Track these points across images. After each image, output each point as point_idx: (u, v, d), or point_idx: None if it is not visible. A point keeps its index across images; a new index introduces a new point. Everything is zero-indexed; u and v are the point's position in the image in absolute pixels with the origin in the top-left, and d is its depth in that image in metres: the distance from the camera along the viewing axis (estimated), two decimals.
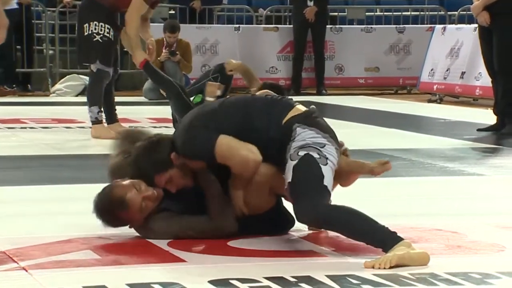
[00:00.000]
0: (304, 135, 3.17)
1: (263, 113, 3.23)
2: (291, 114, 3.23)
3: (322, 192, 3.07)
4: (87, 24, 6.24)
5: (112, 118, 6.55)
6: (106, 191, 3.27)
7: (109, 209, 3.22)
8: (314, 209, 3.05)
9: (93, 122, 6.39)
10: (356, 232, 3.03)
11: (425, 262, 2.92)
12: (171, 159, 3.23)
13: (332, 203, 3.13)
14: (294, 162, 3.10)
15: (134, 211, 3.22)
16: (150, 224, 3.27)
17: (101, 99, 6.38)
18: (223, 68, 6.22)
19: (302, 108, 3.29)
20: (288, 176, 3.10)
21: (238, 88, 9.74)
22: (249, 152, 3.16)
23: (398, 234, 2.99)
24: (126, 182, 3.26)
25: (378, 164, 3.38)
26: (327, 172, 3.10)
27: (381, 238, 2.97)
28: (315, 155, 3.11)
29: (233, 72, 6.12)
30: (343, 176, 3.31)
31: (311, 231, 3.44)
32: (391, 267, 2.87)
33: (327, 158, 3.12)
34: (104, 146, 6.14)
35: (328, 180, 3.10)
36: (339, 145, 3.27)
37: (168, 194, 3.30)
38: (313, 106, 3.39)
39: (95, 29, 6.20)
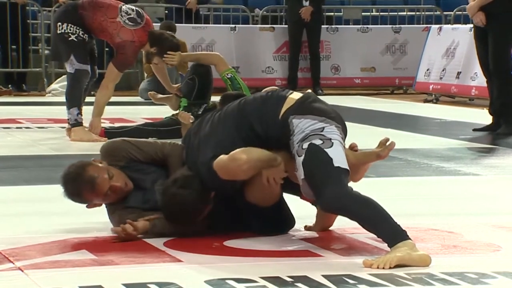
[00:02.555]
0: (301, 126, 3.17)
1: (258, 115, 3.22)
2: (285, 107, 3.23)
3: (336, 176, 3.07)
4: (60, 23, 6.20)
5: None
6: (80, 165, 3.31)
7: (76, 184, 3.28)
8: (331, 199, 3.06)
9: (73, 125, 6.25)
10: (366, 222, 3.04)
11: (426, 264, 2.92)
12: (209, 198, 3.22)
13: (354, 190, 3.11)
14: (302, 158, 3.11)
15: (98, 195, 3.28)
16: (120, 218, 3.30)
17: (80, 100, 6.31)
18: (195, 68, 6.29)
19: (296, 96, 3.27)
20: (300, 173, 3.12)
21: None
22: (234, 160, 3.12)
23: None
24: (103, 165, 3.30)
25: (382, 147, 3.38)
26: (335, 152, 3.11)
27: (388, 233, 2.98)
28: (318, 142, 3.12)
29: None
30: (353, 171, 3.32)
31: (307, 231, 3.45)
32: (390, 268, 2.87)
33: (330, 139, 3.13)
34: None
35: (338, 159, 3.10)
36: (343, 125, 3.25)
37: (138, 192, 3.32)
38: (309, 90, 3.38)
39: (69, 29, 6.16)
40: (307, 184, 3.11)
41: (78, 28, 6.19)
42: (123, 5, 6.31)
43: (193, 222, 3.23)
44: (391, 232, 2.97)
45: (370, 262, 2.91)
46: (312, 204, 3.39)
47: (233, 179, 3.19)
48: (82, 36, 6.18)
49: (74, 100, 6.28)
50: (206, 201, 3.21)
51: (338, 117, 3.27)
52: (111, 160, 3.41)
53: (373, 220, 3.02)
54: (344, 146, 3.21)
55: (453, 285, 2.73)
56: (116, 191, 3.29)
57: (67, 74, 6.39)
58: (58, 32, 6.21)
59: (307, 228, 3.45)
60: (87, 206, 3.40)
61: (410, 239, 2.96)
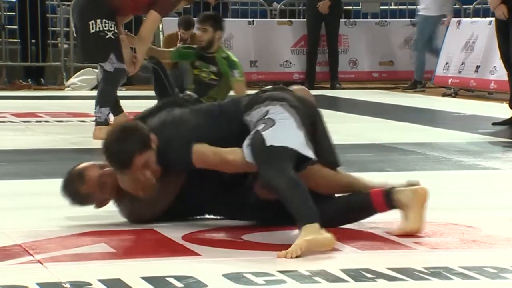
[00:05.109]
0: (253, 120, 3.23)
1: (233, 116, 3.30)
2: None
3: (266, 156, 3.09)
4: (93, 21, 5.91)
5: (117, 110, 6.32)
6: (69, 170, 3.42)
7: (69, 182, 3.35)
8: (264, 181, 3.11)
9: (101, 123, 6.02)
10: (288, 200, 3.07)
11: (331, 246, 3.00)
12: (150, 139, 3.26)
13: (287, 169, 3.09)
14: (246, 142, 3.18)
15: (92, 185, 3.31)
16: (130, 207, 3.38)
17: (113, 100, 6.15)
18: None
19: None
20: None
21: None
22: (221, 159, 3.18)
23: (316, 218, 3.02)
24: (91, 162, 3.38)
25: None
26: (273, 131, 3.12)
27: (298, 216, 3.03)
28: (260, 127, 3.17)
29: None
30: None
31: None
32: (298, 256, 2.91)
33: (273, 120, 3.15)
34: None
35: (272, 138, 3.11)
36: (295, 101, 3.23)
37: None
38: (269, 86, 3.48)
39: (105, 26, 5.91)
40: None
41: (112, 22, 5.95)
42: None
43: (122, 162, 3.22)
44: (299, 217, 3.02)
45: (283, 253, 2.94)
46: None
47: (206, 167, 3.21)
48: (116, 32, 5.96)
49: (108, 100, 6.08)
50: (139, 145, 3.21)
51: (286, 95, 3.26)
52: None
53: (292, 203, 3.04)
54: (296, 121, 3.16)
55: (471, 280, 2.72)
56: (109, 176, 3.32)
57: (105, 72, 6.05)
58: (92, 31, 5.90)
59: (395, 233, 3.28)
60: (95, 207, 3.40)
61: (315, 222, 2.99)
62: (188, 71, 7.40)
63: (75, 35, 6.30)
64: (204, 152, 3.19)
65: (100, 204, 3.41)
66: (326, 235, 2.98)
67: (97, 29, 5.94)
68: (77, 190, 3.34)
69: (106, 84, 6.14)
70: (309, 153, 3.14)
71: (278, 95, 3.27)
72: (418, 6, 10.76)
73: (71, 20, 6.36)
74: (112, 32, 5.95)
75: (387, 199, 3.23)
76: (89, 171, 3.34)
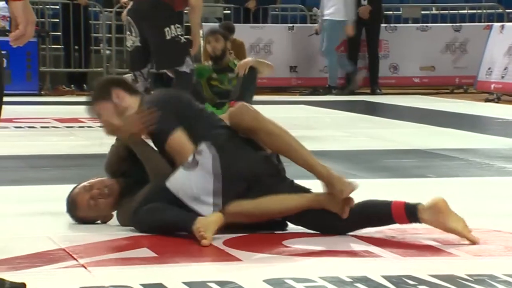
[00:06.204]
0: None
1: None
2: None
3: (149, 193, 3.30)
4: (167, 28, 5.95)
5: None
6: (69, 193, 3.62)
7: (68, 209, 3.57)
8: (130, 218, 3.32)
9: None
10: (163, 226, 3.25)
11: (220, 220, 3.19)
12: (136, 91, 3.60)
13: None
14: None
15: (85, 208, 3.50)
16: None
17: None
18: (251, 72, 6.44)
19: None
20: None
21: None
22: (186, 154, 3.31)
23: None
24: (79, 186, 3.57)
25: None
26: (184, 175, 3.25)
27: (182, 220, 3.20)
28: (189, 159, 3.29)
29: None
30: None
31: (366, 231, 3.43)
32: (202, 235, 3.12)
33: (196, 164, 3.26)
34: None
35: (174, 180, 3.25)
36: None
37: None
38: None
39: (178, 31, 5.95)
40: None
41: (181, 26, 5.99)
42: None
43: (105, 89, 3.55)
44: (184, 219, 3.19)
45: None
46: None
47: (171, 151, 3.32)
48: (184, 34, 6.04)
49: None
50: (121, 84, 3.56)
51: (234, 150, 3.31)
52: None
53: (169, 220, 3.23)
54: (214, 176, 3.24)
55: None
56: (97, 197, 3.50)
57: (181, 74, 6.04)
58: (168, 38, 5.94)
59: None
60: (101, 222, 3.56)
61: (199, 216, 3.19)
62: (204, 88, 7.37)
63: (136, 44, 6.17)
64: (185, 138, 3.32)
65: (104, 219, 3.56)
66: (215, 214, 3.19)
67: (173, 35, 5.99)
68: (75, 215, 3.55)
69: (183, 86, 6.05)
70: (199, 207, 3.23)
71: (228, 147, 3.31)
72: (325, 11, 10.69)
73: (135, 26, 6.21)
74: (183, 35, 6.06)
75: (409, 214, 3.22)
76: (79, 197, 3.51)
